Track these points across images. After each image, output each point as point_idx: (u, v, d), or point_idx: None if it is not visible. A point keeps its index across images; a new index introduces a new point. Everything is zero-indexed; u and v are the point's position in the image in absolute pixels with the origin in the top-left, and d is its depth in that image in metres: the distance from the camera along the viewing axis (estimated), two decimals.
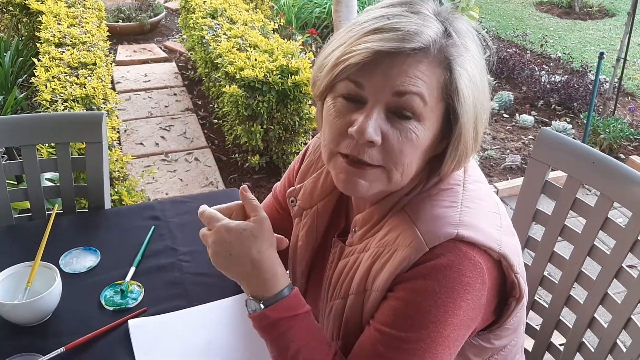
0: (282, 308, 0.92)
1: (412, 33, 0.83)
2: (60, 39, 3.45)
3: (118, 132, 3.40)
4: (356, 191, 0.90)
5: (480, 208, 0.92)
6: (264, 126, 3.16)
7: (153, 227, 1.44)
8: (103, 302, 1.22)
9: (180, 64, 4.93)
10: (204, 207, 0.97)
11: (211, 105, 4.14)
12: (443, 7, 0.90)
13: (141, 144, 3.68)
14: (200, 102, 4.27)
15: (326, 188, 1.09)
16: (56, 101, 2.74)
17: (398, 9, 0.87)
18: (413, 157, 0.88)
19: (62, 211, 1.57)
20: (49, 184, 2.09)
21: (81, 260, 1.34)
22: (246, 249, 0.91)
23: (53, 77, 2.93)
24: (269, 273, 0.92)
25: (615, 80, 4.15)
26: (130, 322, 1.17)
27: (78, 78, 2.97)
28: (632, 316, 1.23)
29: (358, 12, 3.77)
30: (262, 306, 0.91)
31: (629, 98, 4.56)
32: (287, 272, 1.16)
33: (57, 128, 1.50)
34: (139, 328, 1.15)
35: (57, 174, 1.53)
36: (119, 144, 3.55)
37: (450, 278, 0.85)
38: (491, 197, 0.97)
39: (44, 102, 2.74)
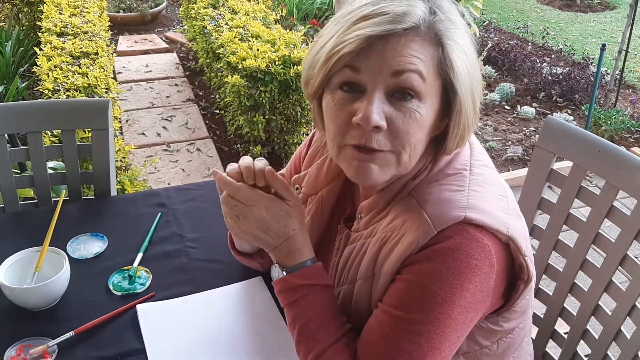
0: (302, 275, 0.98)
1: (400, 14, 0.84)
2: (62, 29, 3.43)
3: (120, 122, 3.39)
4: (369, 178, 0.90)
5: (487, 192, 0.93)
6: (266, 116, 3.16)
7: (159, 214, 1.44)
8: (111, 288, 1.23)
9: (181, 55, 4.92)
10: (236, 183, 0.97)
11: (212, 96, 4.14)
12: None
13: (143, 134, 3.68)
14: (201, 93, 4.27)
15: (331, 173, 1.09)
16: (58, 90, 2.74)
17: None
18: (420, 137, 0.89)
19: (67, 198, 1.57)
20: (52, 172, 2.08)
21: (88, 246, 1.34)
22: (282, 227, 0.98)
23: (55, 67, 2.93)
24: (296, 247, 0.99)
25: (617, 72, 4.15)
26: (138, 306, 1.17)
27: (80, 67, 2.96)
28: (636, 303, 1.24)
29: None
30: (284, 273, 0.98)
31: (630, 90, 4.57)
32: None
33: (63, 115, 1.50)
34: (148, 313, 1.16)
35: (61, 163, 1.53)
36: (121, 133, 3.55)
37: (458, 260, 0.86)
38: (498, 181, 0.98)
39: (46, 91, 2.73)
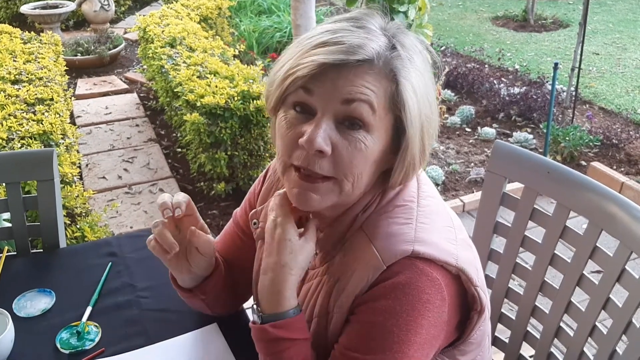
0: (284, 327, 0.91)
1: (355, 46, 0.85)
2: (16, 76, 3.40)
3: (79, 167, 3.34)
4: (309, 205, 0.90)
5: (434, 223, 0.93)
6: (228, 152, 3.13)
7: (110, 263, 1.40)
8: (59, 346, 1.18)
9: (141, 95, 4.89)
10: None
11: (174, 134, 4.11)
12: (391, 23, 0.92)
13: (104, 177, 3.62)
14: (163, 132, 4.23)
15: None
16: (13, 139, 2.69)
17: (344, 24, 0.89)
18: (363, 168, 0.88)
19: (15, 253, 1.51)
20: (7, 224, 2.02)
21: (35, 303, 1.29)
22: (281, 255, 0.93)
23: (9, 115, 2.88)
24: (282, 289, 0.92)
25: (572, 89, 4.25)
26: None
27: (35, 114, 2.92)
28: (596, 323, 1.23)
29: None
30: (260, 320, 0.92)
31: (587, 106, 4.67)
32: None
33: (7, 167, 1.46)
34: None
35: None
36: (81, 179, 3.48)
37: (410, 296, 0.85)
38: (445, 211, 0.98)
39: (0, 140, 2.68)
